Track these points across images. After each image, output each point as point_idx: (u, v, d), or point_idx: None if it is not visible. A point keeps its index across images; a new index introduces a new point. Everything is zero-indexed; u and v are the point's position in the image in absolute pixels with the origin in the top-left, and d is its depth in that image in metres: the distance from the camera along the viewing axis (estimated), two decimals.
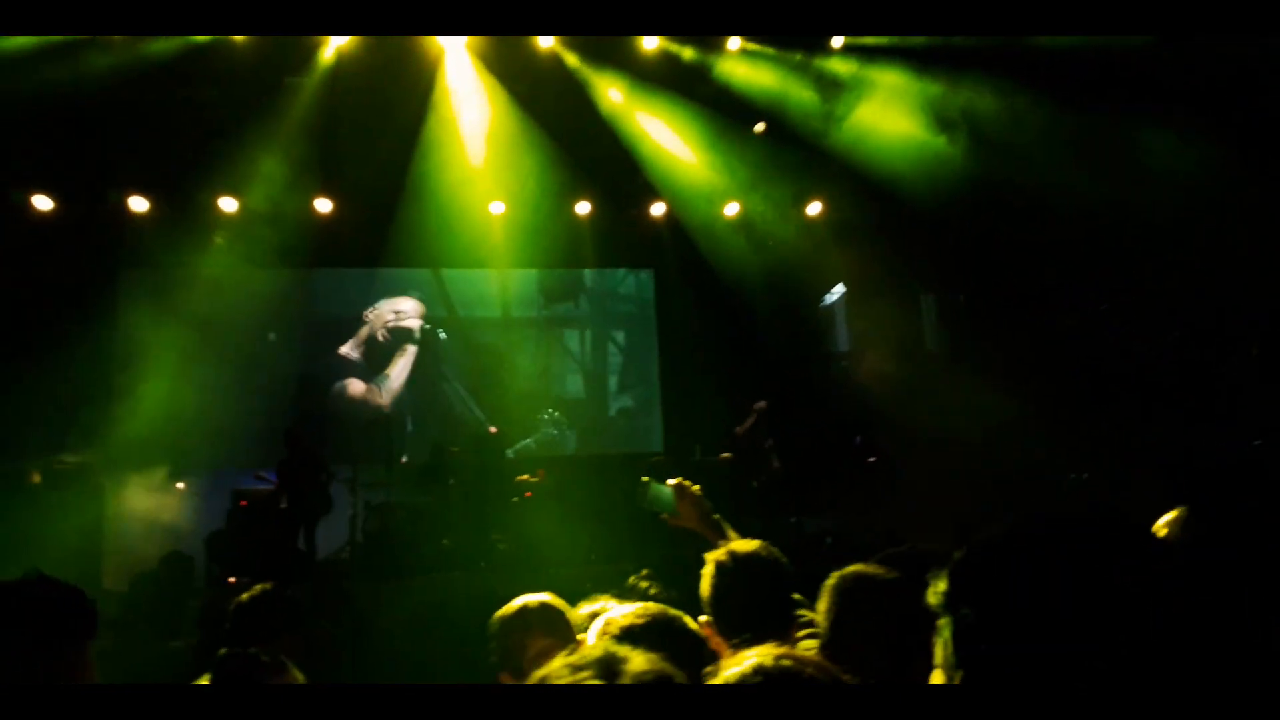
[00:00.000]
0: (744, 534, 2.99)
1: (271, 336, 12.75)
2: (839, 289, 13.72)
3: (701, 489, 3.20)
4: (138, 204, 11.46)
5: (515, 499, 10.53)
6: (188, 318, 11.60)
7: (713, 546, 2.78)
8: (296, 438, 10.15)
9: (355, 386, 13.09)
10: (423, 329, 13.46)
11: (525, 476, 10.86)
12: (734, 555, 2.59)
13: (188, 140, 10.65)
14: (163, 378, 11.19)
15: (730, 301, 13.16)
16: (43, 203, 11.02)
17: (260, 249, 11.73)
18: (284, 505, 9.88)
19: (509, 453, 11.99)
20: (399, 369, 13.30)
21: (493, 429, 11.70)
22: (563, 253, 13.22)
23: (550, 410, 13.61)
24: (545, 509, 10.17)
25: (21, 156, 10.56)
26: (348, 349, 13.22)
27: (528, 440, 13.29)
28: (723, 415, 12.18)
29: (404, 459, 12.21)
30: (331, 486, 10.15)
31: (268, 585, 3.70)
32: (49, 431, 10.26)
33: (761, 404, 11.17)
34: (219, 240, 11.80)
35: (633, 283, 14.48)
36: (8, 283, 10.59)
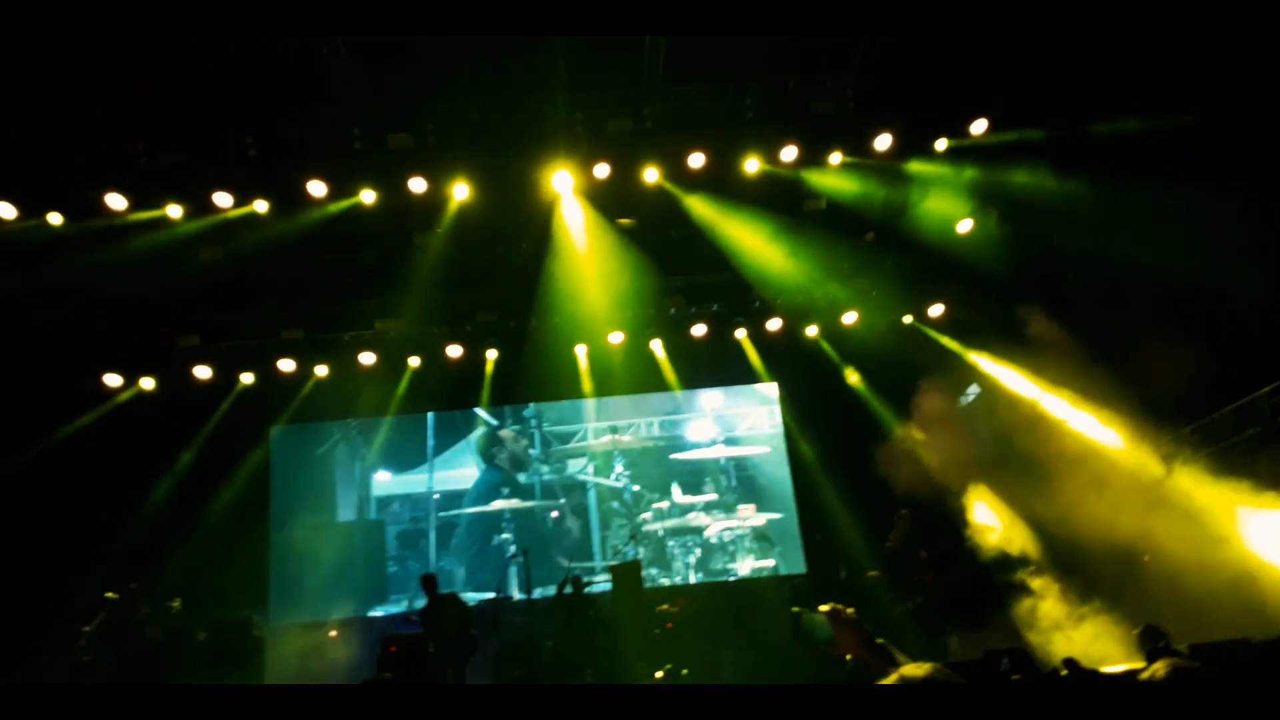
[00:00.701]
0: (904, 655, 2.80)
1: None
2: (974, 389, 13.24)
3: (856, 611, 2.98)
4: (285, 365, 12.34)
5: (656, 630, 10.34)
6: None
7: (877, 671, 2.57)
8: (433, 581, 10.32)
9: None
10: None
11: (665, 606, 10.67)
12: (906, 682, 2.36)
13: (331, 298, 11.60)
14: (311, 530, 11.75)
15: (858, 413, 12.91)
16: (202, 372, 12.07)
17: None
18: (431, 650, 9.98)
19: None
20: None
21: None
22: (684, 375, 13.41)
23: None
24: (688, 638, 9.93)
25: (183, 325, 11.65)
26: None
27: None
28: (862, 530, 11.80)
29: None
30: (473, 627, 10.21)
31: None
32: (212, 590, 10.79)
33: (905, 512, 10.71)
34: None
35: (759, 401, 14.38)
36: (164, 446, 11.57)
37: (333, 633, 12.00)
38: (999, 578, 10.21)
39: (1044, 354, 10.74)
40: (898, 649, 2.86)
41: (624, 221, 11.47)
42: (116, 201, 9.74)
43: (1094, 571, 9.53)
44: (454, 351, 12.65)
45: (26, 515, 10.89)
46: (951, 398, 12.22)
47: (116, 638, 8.77)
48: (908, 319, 12.93)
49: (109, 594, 8.92)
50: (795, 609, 3.03)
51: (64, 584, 10.02)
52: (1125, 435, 10.07)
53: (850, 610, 2.96)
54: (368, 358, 12.25)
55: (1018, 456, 10.58)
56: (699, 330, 13.09)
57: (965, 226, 11.34)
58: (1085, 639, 8.90)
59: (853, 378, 13.27)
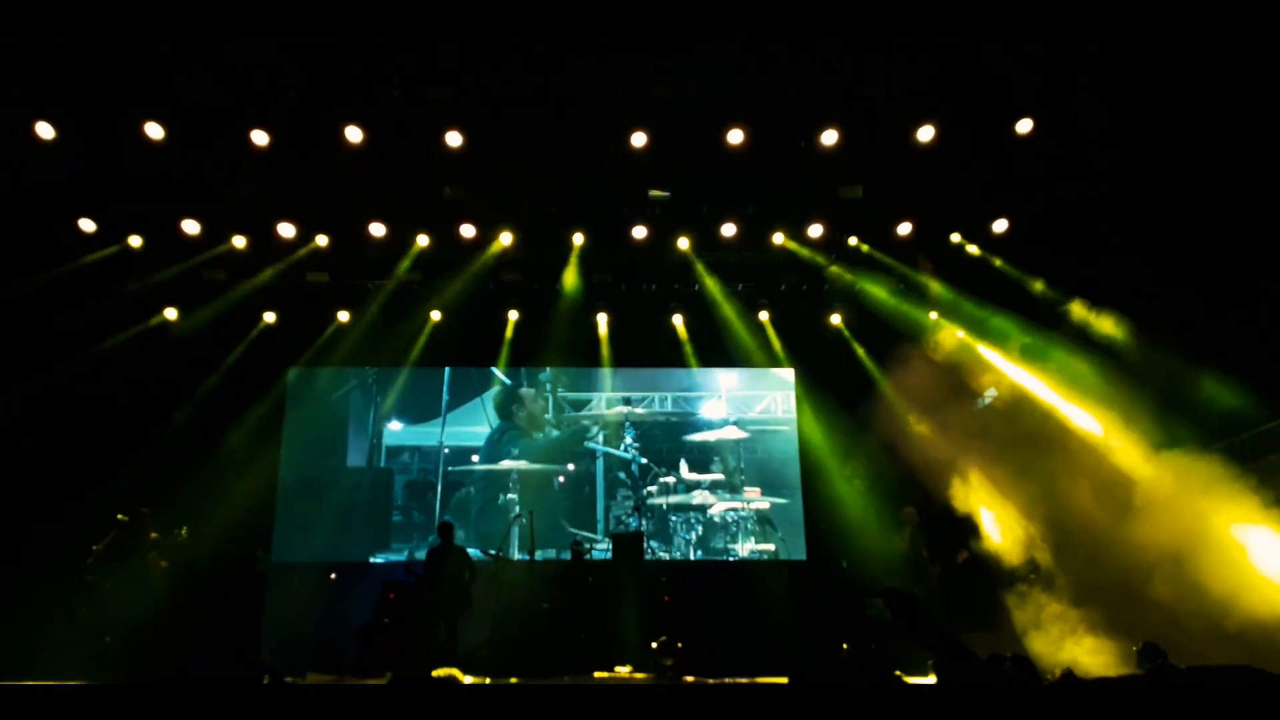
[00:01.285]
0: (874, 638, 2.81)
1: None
2: (991, 391, 13.14)
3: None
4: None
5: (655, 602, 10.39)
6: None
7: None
8: (448, 529, 10.42)
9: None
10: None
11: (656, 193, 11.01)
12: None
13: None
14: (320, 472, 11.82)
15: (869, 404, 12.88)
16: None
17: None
18: (427, 600, 10.09)
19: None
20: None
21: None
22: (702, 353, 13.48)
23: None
24: (685, 611, 9.97)
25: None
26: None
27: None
28: (870, 523, 11.82)
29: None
30: (472, 585, 10.33)
31: None
32: (219, 522, 10.90)
33: (909, 509, 10.70)
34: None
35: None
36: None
37: (333, 575, 12.12)
38: (1002, 578, 10.20)
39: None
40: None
41: (656, 193, 11.41)
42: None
43: (1096, 581, 9.48)
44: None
45: (47, 429, 11.03)
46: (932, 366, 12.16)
47: (122, 560, 8.90)
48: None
49: (120, 516, 9.05)
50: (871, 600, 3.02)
51: (78, 501, 10.14)
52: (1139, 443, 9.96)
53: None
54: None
55: (1032, 461, 10.54)
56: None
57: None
58: (1084, 651, 8.87)
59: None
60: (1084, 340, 10.86)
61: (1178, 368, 9.57)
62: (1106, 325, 10.73)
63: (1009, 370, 11.98)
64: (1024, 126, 10.12)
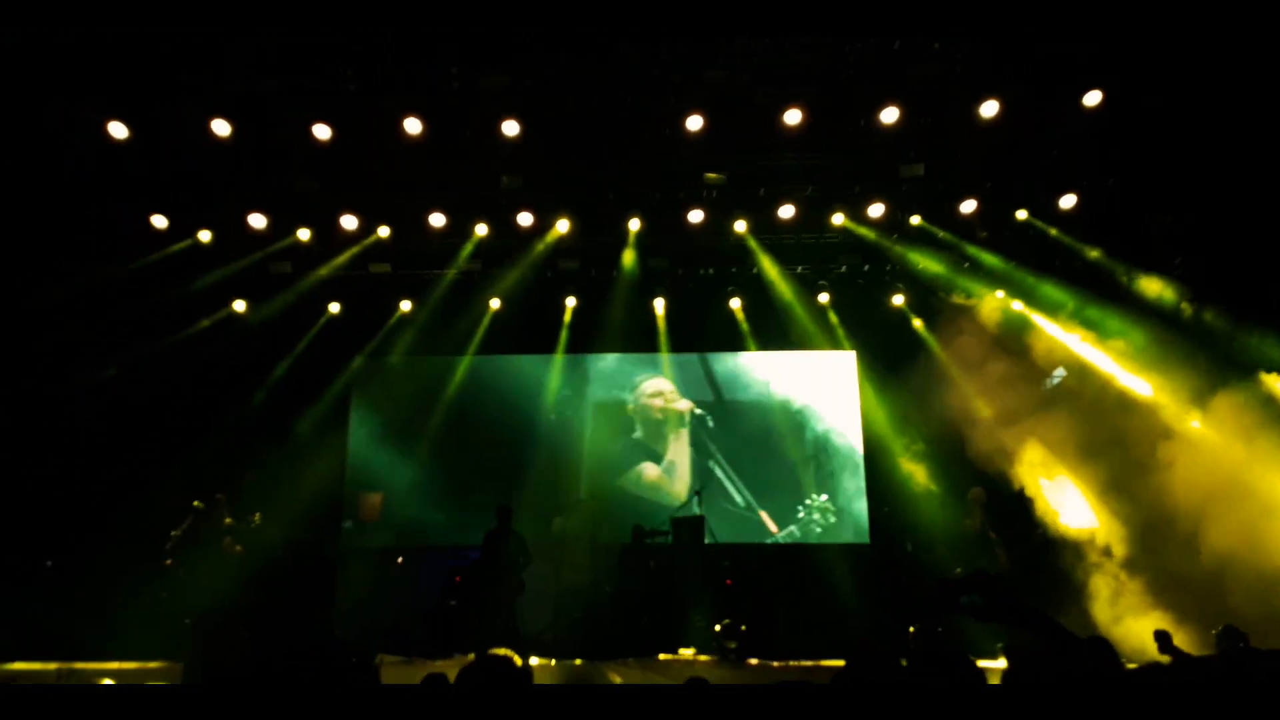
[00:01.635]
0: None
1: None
2: (1060, 371, 12.83)
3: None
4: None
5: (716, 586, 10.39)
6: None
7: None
8: (507, 513, 10.52)
9: (650, 471, 13.45)
10: (693, 412, 13.70)
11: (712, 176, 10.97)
12: None
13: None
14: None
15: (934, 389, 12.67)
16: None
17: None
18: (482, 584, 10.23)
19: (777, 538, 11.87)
20: (679, 453, 13.53)
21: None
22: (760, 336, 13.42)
23: (813, 497, 13.27)
24: (747, 595, 9.96)
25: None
26: (639, 434, 13.65)
27: (791, 528, 13.08)
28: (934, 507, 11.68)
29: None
30: (524, 571, 10.41)
31: None
32: (291, 508, 11.19)
33: (978, 490, 10.52)
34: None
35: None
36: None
37: (400, 559, 12.36)
38: (1069, 562, 10.00)
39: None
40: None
41: (711, 176, 11.35)
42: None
43: (1175, 566, 9.22)
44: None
45: (123, 418, 11.44)
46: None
47: (199, 545, 9.21)
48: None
49: (196, 503, 9.35)
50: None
51: (156, 488, 10.49)
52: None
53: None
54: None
55: (1105, 440, 10.28)
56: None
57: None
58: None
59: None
60: (1144, 308, 10.53)
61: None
62: (1165, 290, 10.39)
63: (1076, 347, 11.68)
64: (1092, 99, 9.83)
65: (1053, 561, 10.57)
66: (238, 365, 12.41)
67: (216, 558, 9.11)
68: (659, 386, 13.69)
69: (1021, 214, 11.59)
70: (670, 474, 13.26)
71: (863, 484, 13.25)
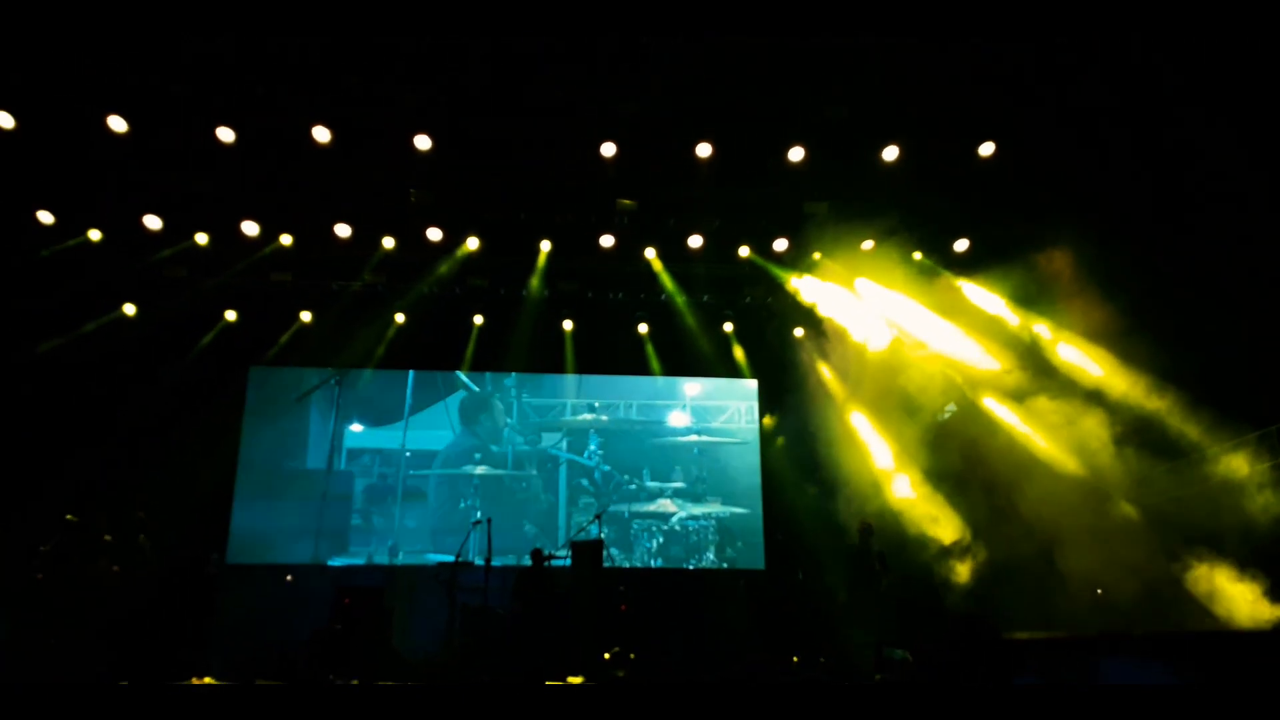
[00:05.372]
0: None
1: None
2: (951, 407, 13.35)
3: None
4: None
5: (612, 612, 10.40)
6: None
7: None
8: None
9: None
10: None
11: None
12: None
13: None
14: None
15: (833, 419, 13.02)
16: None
17: None
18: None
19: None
20: None
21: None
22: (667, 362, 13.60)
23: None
24: (641, 621, 10.01)
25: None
26: None
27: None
28: (826, 534, 11.97)
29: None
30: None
31: None
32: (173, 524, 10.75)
33: (865, 521, 10.85)
34: None
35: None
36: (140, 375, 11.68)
37: (289, 577, 12.01)
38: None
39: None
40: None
41: (625, 203, 11.46)
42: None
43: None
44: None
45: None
46: None
47: (71, 562, 8.75)
48: None
49: (69, 516, 8.90)
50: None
51: (34, 498, 9.97)
52: None
53: None
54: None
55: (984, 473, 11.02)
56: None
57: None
58: None
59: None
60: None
61: None
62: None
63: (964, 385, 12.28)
64: (986, 149, 10.32)
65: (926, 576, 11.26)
66: (125, 373, 11.88)
67: (91, 576, 8.67)
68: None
69: (917, 255, 12.05)
70: None
71: (760, 509, 13.52)
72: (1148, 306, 10.00)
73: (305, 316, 12.73)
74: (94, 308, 11.85)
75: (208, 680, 7.68)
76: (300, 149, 10.06)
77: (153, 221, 11.11)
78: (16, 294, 10.94)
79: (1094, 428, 10.73)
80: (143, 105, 9.61)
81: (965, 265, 11.99)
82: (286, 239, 11.57)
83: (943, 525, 11.93)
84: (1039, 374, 11.53)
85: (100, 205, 10.96)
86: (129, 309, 12.12)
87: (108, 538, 9.02)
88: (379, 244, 11.78)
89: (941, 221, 11.67)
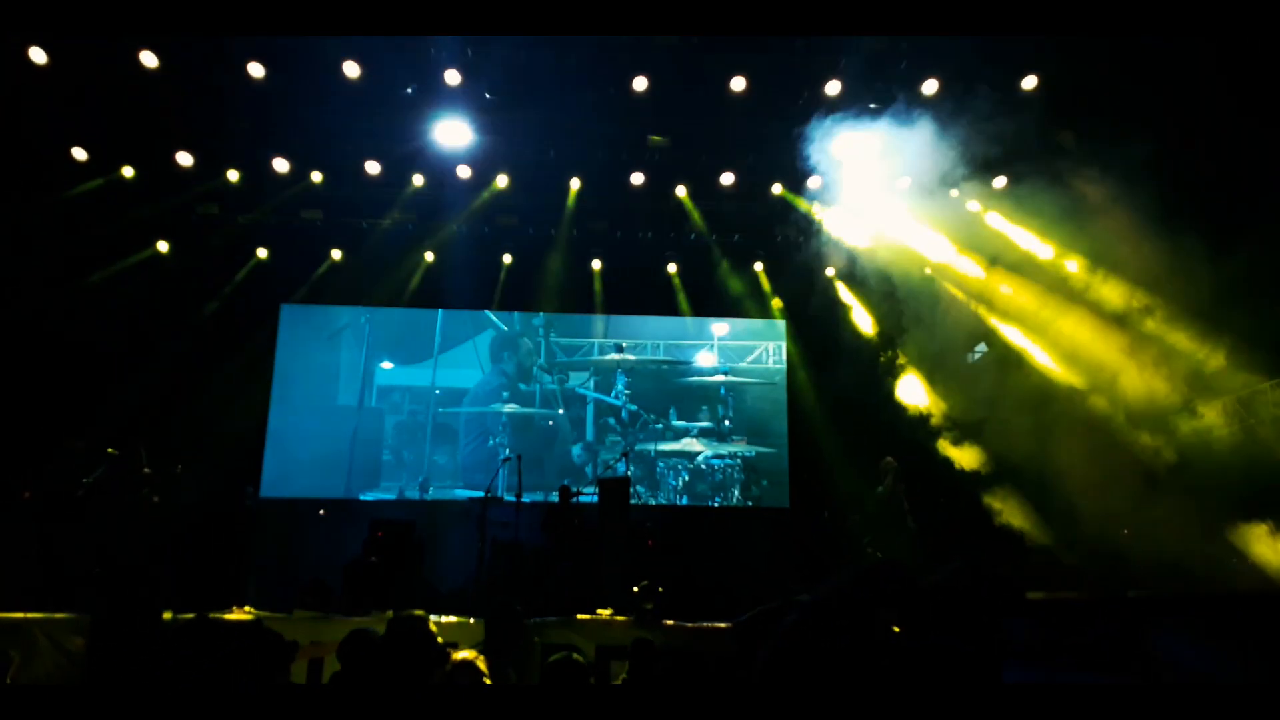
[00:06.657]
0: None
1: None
2: (981, 347, 13.24)
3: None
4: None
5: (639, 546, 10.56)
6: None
7: None
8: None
9: None
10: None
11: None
12: None
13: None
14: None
15: (859, 358, 12.97)
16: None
17: None
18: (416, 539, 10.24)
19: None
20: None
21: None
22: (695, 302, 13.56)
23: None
24: (667, 556, 10.16)
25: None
26: None
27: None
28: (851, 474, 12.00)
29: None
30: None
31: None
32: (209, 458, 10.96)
33: (890, 460, 10.88)
34: None
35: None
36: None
37: (322, 511, 12.26)
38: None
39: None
40: None
41: (655, 139, 11.32)
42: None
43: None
44: None
45: (33, 361, 11.04)
46: None
47: (114, 494, 8.95)
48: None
49: (110, 449, 9.09)
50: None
51: (69, 430, 10.17)
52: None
53: None
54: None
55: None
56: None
57: None
58: None
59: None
60: None
61: None
62: None
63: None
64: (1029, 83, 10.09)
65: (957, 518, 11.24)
66: (159, 310, 12.03)
67: (132, 509, 8.88)
68: None
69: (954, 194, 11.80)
70: None
71: (785, 449, 13.58)
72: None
73: (336, 254, 12.80)
74: (127, 246, 11.95)
75: (248, 610, 7.91)
76: (330, 85, 10.00)
77: (184, 158, 11.14)
78: (52, 231, 11.04)
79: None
80: (173, 40, 9.57)
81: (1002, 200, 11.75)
82: (317, 176, 11.57)
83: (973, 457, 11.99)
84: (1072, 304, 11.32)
85: (132, 141, 11.00)
86: (162, 246, 12.23)
87: (147, 470, 9.21)
88: (409, 181, 11.75)
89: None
